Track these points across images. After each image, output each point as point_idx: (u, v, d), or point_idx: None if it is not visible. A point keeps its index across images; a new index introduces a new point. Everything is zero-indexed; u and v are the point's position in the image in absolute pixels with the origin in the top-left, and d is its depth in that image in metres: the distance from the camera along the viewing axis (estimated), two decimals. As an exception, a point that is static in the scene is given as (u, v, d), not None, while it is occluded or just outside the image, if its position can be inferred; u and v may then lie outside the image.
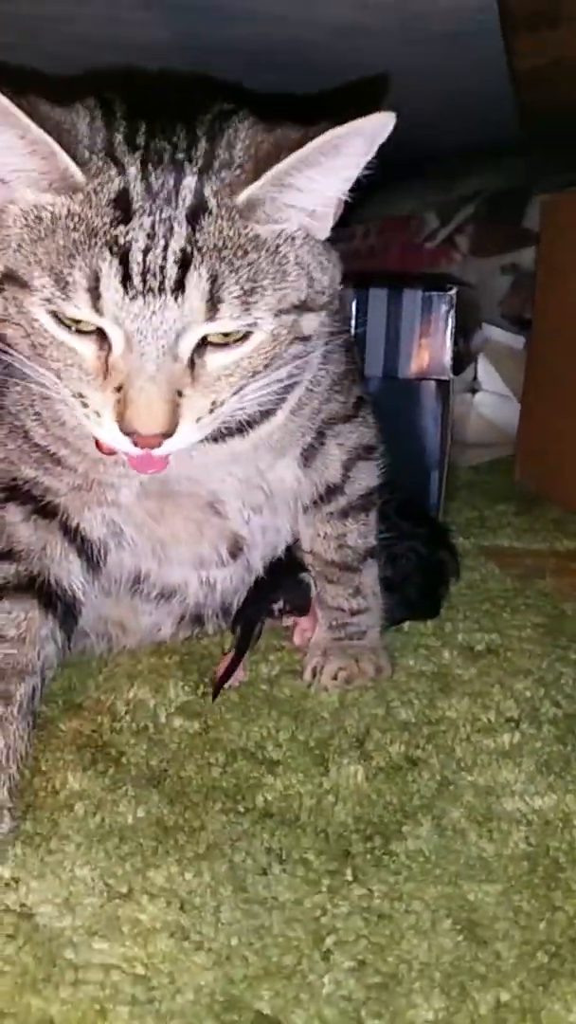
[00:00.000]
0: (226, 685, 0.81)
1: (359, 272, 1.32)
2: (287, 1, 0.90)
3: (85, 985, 0.50)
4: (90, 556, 0.77)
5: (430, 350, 1.09)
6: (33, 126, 0.53)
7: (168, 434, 0.57)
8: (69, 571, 0.75)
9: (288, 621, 0.90)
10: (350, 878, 0.59)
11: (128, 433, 0.57)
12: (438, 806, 0.66)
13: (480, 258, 1.75)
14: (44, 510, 0.75)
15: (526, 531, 1.20)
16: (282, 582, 0.86)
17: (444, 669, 0.86)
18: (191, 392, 0.57)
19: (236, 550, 0.83)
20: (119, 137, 0.58)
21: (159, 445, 0.58)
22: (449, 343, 1.08)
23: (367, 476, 0.86)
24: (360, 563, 0.87)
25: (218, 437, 0.68)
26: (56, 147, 0.54)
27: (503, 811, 0.66)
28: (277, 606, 0.88)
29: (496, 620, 0.96)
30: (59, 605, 0.74)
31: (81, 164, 0.55)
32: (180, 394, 0.57)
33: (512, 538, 1.18)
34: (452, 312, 1.07)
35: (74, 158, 0.55)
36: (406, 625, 0.93)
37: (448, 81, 1.23)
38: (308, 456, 0.81)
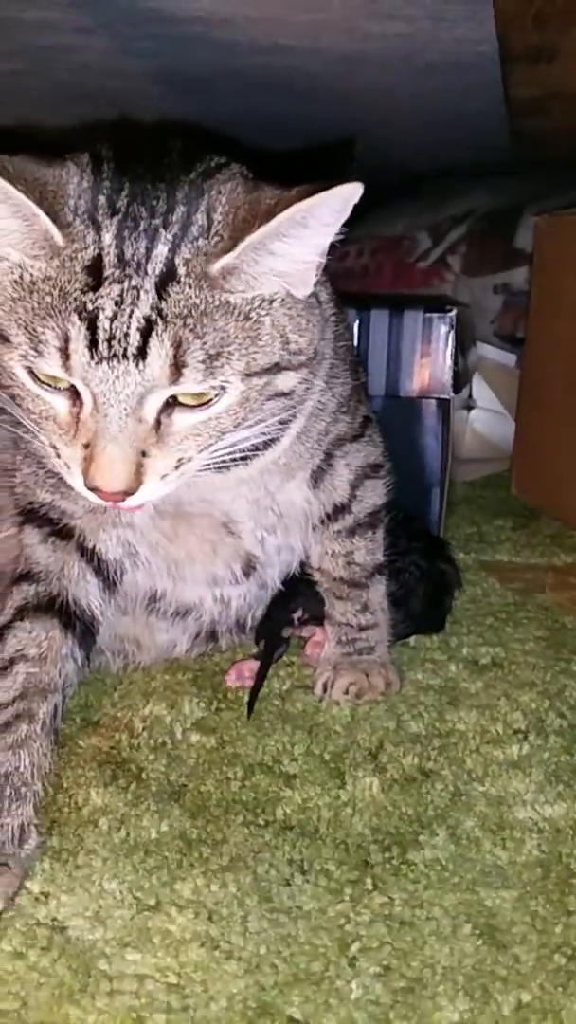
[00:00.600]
0: (235, 686, 0.84)
1: (360, 294, 1.36)
2: (294, 34, 0.93)
3: (120, 995, 0.52)
4: (106, 576, 0.79)
5: (430, 369, 1.12)
6: (14, 191, 0.55)
7: (130, 491, 0.59)
8: (87, 591, 0.77)
9: (306, 632, 0.92)
10: (370, 887, 0.61)
11: (92, 488, 0.59)
12: (452, 816, 0.68)
13: (472, 277, 1.79)
14: (61, 532, 0.77)
15: (524, 546, 1.23)
16: (302, 592, 0.88)
17: (451, 683, 0.88)
18: (156, 452, 0.59)
19: (250, 568, 0.85)
20: (102, 199, 0.59)
21: (122, 500, 0.60)
22: (449, 362, 1.11)
23: (374, 494, 0.88)
24: (368, 580, 0.89)
25: (221, 467, 0.68)
26: (38, 212, 0.56)
27: (515, 820, 0.68)
28: (297, 615, 0.90)
29: (499, 634, 0.98)
30: (78, 624, 0.76)
31: (63, 227, 0.57)
32: (145, 454, 0.59)
33: (511, 553, 1.21)
34: (452, 332, 1.10)
35: (57, 221, 0.57)
36: (412, 640, 0.96)
37: (444, 106, 1.26)
38: (317, 477, 0.83)
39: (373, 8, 0.87)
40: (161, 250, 0.57)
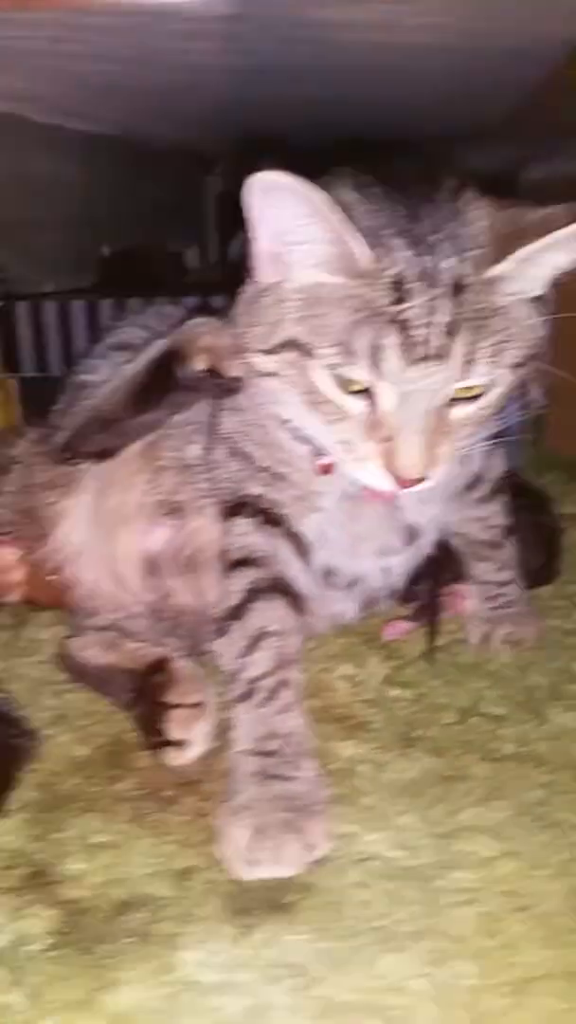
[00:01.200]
0: (394, 638, 0.96)
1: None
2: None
3: (474, 903, 0.62)
4: (304, 556, 0.87)
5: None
6: (337, 220, 0.62)
7: (425, 477, 0.68)
8: (295, 571, 0.85)
9: (450, 590, 1.02)
10: (610, 798, 0.73)
11: (395, 477, 0.68)
12: None
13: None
14: (271, 520, 0.84)
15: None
16: (449, 555, 0.99)
17: (581, 625, 1.00)
18: (443, 441, 0.68)
19: (412, 538, 0.93)
20: (384, 220, 0.66)
21: (414, 486, 0.69)
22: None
23: (499, 462, 0.99)
24: (503, 539, 1.00)
25: None
26: (352, 237, 0.63)
27: None
28: (447, 575, 1.00)
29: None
30: (296, 601, 0.83)
31: (371, 248, 0.64)
32: (434, 443, 0.68)
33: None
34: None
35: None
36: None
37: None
38: (460, 450, 0.92)
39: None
40: (449, 263, 0.65)
